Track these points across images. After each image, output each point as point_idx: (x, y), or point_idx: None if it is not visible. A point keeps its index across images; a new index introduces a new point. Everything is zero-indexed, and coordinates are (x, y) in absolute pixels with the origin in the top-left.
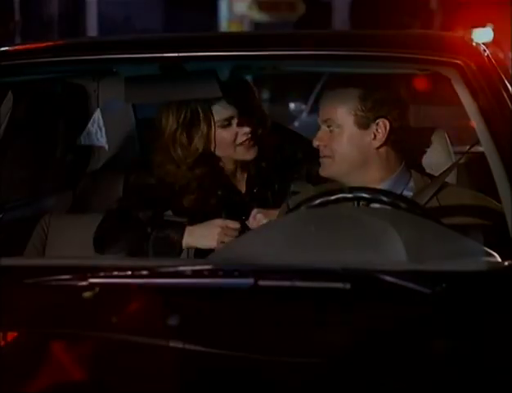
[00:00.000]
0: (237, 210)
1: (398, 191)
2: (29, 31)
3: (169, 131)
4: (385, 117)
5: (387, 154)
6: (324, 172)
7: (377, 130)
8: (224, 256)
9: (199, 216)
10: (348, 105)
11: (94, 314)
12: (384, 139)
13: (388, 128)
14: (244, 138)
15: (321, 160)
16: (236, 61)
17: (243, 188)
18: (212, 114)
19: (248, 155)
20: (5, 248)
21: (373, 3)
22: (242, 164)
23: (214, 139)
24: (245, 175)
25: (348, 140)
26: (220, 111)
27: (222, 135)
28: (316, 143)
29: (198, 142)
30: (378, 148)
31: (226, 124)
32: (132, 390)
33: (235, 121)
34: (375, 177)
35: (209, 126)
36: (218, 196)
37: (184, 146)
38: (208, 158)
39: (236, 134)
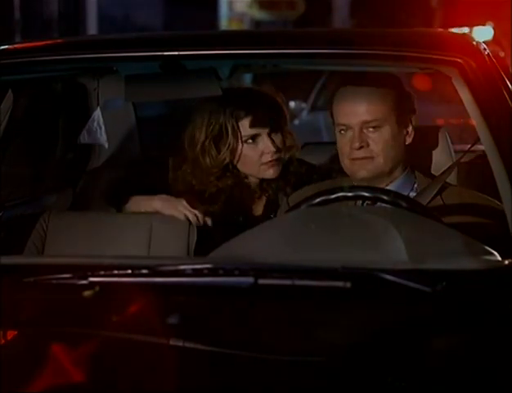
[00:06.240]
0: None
1: (406, 192)
2: (29, 30)
3: (200, 142)
4: (414, 112)
5: (406, 151)
6: (365, 173)
7: (408, 126)
8: (224, 255)
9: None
10: (389, 103)
11: (94, 313)
12: (412, 135)
13: (413, 123)
14: (269, 158)
15: (359, 161)
16: (237, 59)
17: (260, 210)
18: (239, 129)
19: (269, 174)
20: (5, 247)
21: (373, 2)
22: (264, 185)
23: (240, 154)
24: (265, 197)
25: (391, 139)
26: (247, 127)
27: (248, 152)
28: (357, 145)
29: (225, 154)
30: (407, 145)
31: (252, 141)
32: (132, 389)
33: (261, 139)
34: (394, 176)
35: (236, 140)
36: (238, 210)
37: (212, 156)
38: (234, 171)
39: (262, 153)
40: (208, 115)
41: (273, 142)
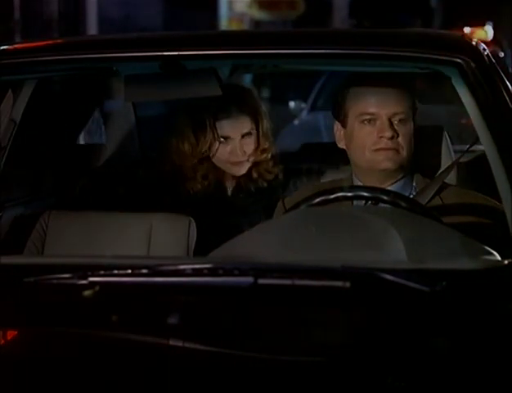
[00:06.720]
0: (223, 213)
1: (407, 193)
2: (29, 30)
3: (180, 126)
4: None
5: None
6: (390, 164)
7: (414, 125)
8: (224, 255)
9: (195, 207)
10: (411, 100)
11: (94, 313)
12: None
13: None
14: (235, 159)
15: (385, 152)
16: (237, 59)
17: (233, 193)
18: (216, 127)
19: (235, 171)
20: (5, 246)
21: (373, 2)
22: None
23: (215, 149)
24: (241, 186)
25: (411, 135)
26: (221, 127)
27: (220, 149)
28: (389, 134)
29: (203, 146)
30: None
31: (224, 140)
32: (132, 389)
33: (231, 142)
34: (400, 175)
35: (214, 136)
36: (213, 194)
37: (192, 145)
38: (210, 162)
39: (230, 154)
40: (194, 106)
41: (243, 146)
